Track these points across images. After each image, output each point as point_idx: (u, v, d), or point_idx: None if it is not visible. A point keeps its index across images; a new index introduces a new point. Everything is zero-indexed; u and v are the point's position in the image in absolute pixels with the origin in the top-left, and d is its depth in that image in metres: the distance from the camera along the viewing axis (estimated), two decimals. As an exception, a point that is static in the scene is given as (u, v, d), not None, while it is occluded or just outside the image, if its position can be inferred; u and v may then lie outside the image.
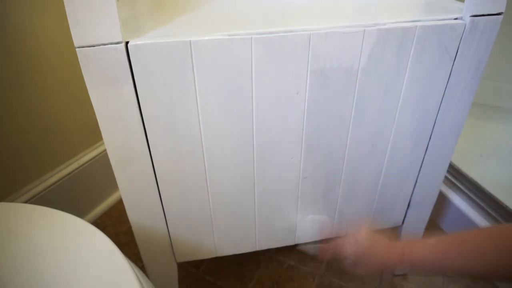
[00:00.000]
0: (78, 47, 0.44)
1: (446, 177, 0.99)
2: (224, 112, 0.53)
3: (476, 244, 0.43)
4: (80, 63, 0.45)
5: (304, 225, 0.70)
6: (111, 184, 1.08)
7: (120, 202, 1.10)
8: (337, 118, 0.58)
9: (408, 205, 0.74)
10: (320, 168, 0.63)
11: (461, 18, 0.54)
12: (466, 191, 0.94)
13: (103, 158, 1.03)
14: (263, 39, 0.48)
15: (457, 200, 0.96)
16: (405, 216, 0.76)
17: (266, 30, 0.49)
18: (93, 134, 1.01)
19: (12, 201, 0.83)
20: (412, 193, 0.72)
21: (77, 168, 0.96)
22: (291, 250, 0.95)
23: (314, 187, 0.65)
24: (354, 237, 0.54)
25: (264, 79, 0.52)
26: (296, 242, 0.73)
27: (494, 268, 0.40)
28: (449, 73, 0.57)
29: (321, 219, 0.70)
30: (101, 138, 1.04)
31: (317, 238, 0.70)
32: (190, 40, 0.47)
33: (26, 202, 0.85)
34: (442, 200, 0.99)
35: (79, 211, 1.01)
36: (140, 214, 0.60)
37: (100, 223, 1.04)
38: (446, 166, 0.69)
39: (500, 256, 0.40)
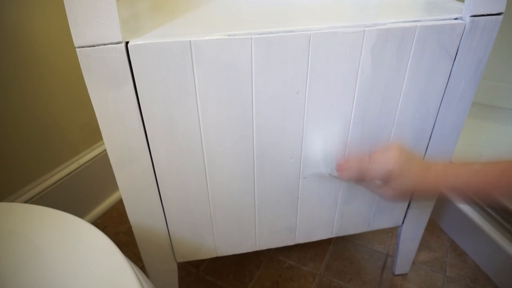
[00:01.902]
0: (78, 47, 0.44)
1: (446, 177, 0.99)
2: (224, 112, 0.53)
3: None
4: (80, 63, 0.45)
5: (307, 225, 0.70)
6: (111, 184, 1.08)
7: (120, 202, 1.10)
8: (337, 118, 0.58)
9: (408, 205, 0.74)
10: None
11: (461, 18, 0.54)
12: (466, 191, 0.93)
13: (103, 158, 1.03)
14: (263, 39, 0.48)
15: (457, 200, 0.95)
16: (405, 216, 0.76)
17: (266, 30, 0.49)
18: (93, 134, 1.01)
19: (12, 201, 0.83)
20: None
21: (77, 168, 0.96)
22: (291, 250, 0.95)
23: (314, 187, 0.65)
24: (384, 153, 0.46)
25: (264, 79, 0.52)
26: (296, 242, 0.73)
27: None
28: (449, 73, 0.57)
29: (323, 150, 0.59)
30: (101, 138, 1.04)
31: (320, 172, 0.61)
32: (190, 40, 0.47)
33: (26, 202, 0.85)
34: (442, 200, 0.99)
35: (79, 211, 1.01)
36: (140, 214, 0.60)
37: (100, 223, 1.04)
38: (446, 166, 0.69)
39: None
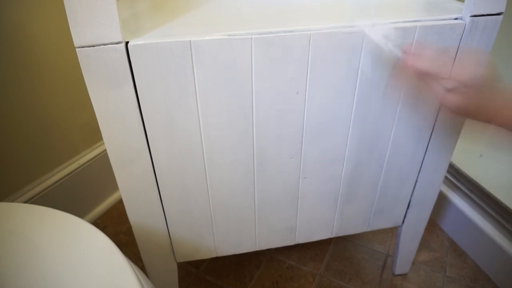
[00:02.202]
0: (78, 47, 0.44)
1: (446, 177, 1.00)
2: (224, 112, 0.53)
3: None
4: (80, 63, 0.45)
5: (307, 225, 0.70)
6: (111, 184, 1.08)
7: (120, 202, 1.10)
8: (337, 118, 0.58)
9: (408, 205, 0.74)
10: (320, 168, 0.63)
11: (461, 18, 0.54)
12: (466, 191, 0.94)
13: (103, 158, 1.03)
14: (263, 39, 0.48)
15: (457, 200, 0.96)
16: (405, 216, 0.76)
17: (266, 30, 0.49)
18: (93, 134, 1.01)
19: (12, 201, 0.83)
20: (412, 193, 0.72)
21: (77, 168, 0.96)
22: (291, 250, 0.95)
23: (314, 187, 0.65)
24: (477, 54, 0.39)
25: (264, 79, 0.52)
26: (296, 242, 0.73)
27: None
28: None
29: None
30: (101, 138, 1.04)
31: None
32: (190, 40, 0.47)
33: (26, 202, 0.85)
34: (442, 200, 0.99)
35: (79, 211, 1.01)
36: (140, 214, 0.60)
37: (100, 223, 1.04)
38: (446, 166, 0.69)
39: None
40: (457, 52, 0.53)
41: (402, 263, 0.87)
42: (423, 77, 0.40)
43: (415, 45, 0.45)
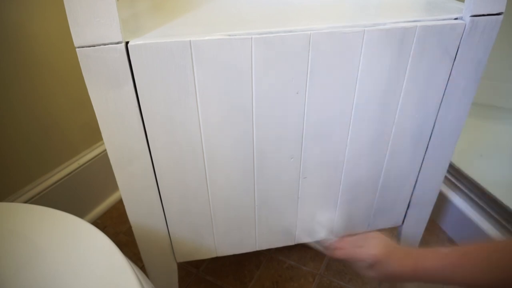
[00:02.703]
0: (78, 47, 0.44)
1: (446, 177, 0.99)
2: (224, 112, 0.53)
3: (484, 258, 0.43)
4: (80, 63, 0.45)
5: (308, 226, 0.70)
6: (111, 184, 1.08)
7: (120, 202, 1.10)
8: (337, 119, 0.58)
9: (408, 205, 0.74)
10: (320, 168, 0.63)
11: (461, 18, 0.54)
12: (466, 191, 0.94)
13: (103, 158, 1.03)
14: (263, 39, 0.48)
15: (457, 200, 0.96)
16: (405, 216, 0.76)
17: (266, 30, 0.49)
18: (93, 134, 1.01)
19: (12, 201, 0.83)
20: (412, 193, 0.72)
21: (77, 168, 0.96)
22: (291, 250, 0.95)
23: (314, 187, 0.65)
24: (371, 239, 0.53)
25: (264, 79, 0.52)
26: (296, 242, 0.73)
27: (502, 282, 0.40)
28: (449, 73, 0.57)
29: (327, 219, 0.68)
30: (101, 138, 1.04)
31: (322, 238, 0.68)
32: (190, 40, 0.47)
33: (26, 202, 0.85)
34: (442, 200, 0.99)
35: (79, 211, 1.01)
36: (140, 214, 0.60)
37: (100, 223, 1.04)
38: (446, 166, 0.69)
39: (507, 271, 0.40)
40: (456, 55, 0.54)
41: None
42: (346, 261, 0.56)
43: (334, 242, 0.60)
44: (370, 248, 0.53)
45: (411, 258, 0.49)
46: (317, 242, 0.62)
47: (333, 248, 0.60)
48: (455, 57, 0.56)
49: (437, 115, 0.62)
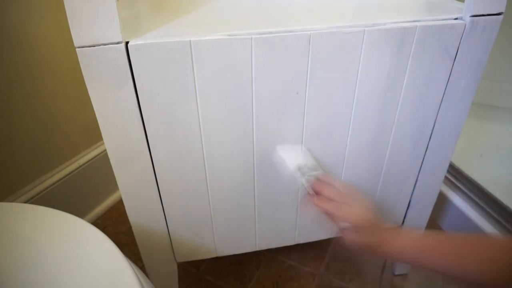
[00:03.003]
0: (78, 47, 0.44)
1: (446, 177, 0.99)
2: (224, 112, 0.53)
3: (455, 249, 0.44)
4: (80, 63, 0.45)
5: (308, 226, 0.70)
6: (111, 184, 1.08)
7: (120, 202, 1.10)
8: (337, 118, 0.58)
9: (408, 205, 0.74)
10: (320, 168, 0.63)
11: (461, 18, 0.54)
12: (466, 191, 0.94)
13: (103, 158, 1.03)
14: (263, 39, 0.48)
15: (457, 200, 0.96)
16: (405, 216, 0.76)
17: (266, 30, 0.49)
18: (94, 134, 1.01)
19: (12, 201, 0.83)
20: (412, 193, 0.72)
21: (77, 168, 0.96)
22: (291, 250, 0.95)
23: (314, 187, 0.65)
24: (360, 201, 0.51)
25: (264, 79, 0.52)
26: (296, 242, 0.73)
27: (470, 274, 0.41)
28: (449, 73, 0.57)
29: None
30: (101, 138, 1.04)
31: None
32: (190, 40, 0.47)
33: (26, 202, 0.85)
34: (442, 200, 0.99)
35: (79, 211, 1.01)
36: (140, 214, 0.60)
37: (100, 223, 1.04)
38: (446, 166, 0.69)
39: (475, 264, 0.41)
40: (456, 55, 0.54)
41: (403, 263, 0.87)
42: (325, 214, 0.52)
43: (320, 183, 0.54)
44: (356, 209, 0.50)
45: (383, 232, 0.49)
46: (309, 181, 0.55)
47: (319, 191, 0.54)
48: (455, 57, 0.56)
49: (437, 115, 0.62)
